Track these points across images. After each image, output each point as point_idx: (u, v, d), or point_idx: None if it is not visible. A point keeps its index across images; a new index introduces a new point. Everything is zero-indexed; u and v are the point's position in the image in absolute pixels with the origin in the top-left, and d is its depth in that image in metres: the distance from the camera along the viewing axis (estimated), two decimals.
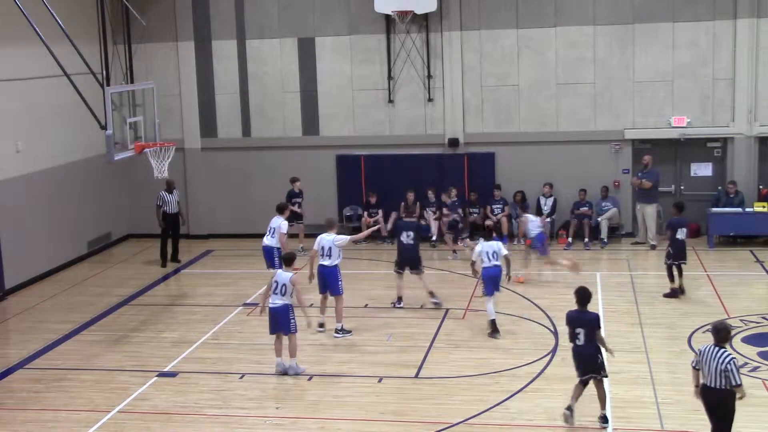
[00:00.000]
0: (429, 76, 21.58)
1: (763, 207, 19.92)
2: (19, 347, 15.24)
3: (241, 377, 13.40)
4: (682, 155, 21.23)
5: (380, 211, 21.63)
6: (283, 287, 13.20)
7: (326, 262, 15.07)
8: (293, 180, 20.91)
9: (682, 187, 21.33)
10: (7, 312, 17.39)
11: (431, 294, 16.27)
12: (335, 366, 13.72)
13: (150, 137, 16.62)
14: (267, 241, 16.96)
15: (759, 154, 20.67)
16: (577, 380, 11.33)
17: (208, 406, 12.42)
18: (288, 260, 13.51)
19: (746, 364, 13.09)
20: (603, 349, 11.27)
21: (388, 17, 21.33)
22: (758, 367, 13.00)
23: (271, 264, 16.78)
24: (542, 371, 13.12)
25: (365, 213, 21.80)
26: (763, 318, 15.14)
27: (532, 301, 15.81)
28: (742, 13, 20.13)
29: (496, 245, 14.91)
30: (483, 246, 14.84)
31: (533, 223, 17.93)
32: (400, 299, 16.45)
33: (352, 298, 17.25)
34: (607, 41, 20.89)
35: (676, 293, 16.27)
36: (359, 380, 13.13)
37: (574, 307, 11.48)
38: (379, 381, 13.03)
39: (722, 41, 20.39)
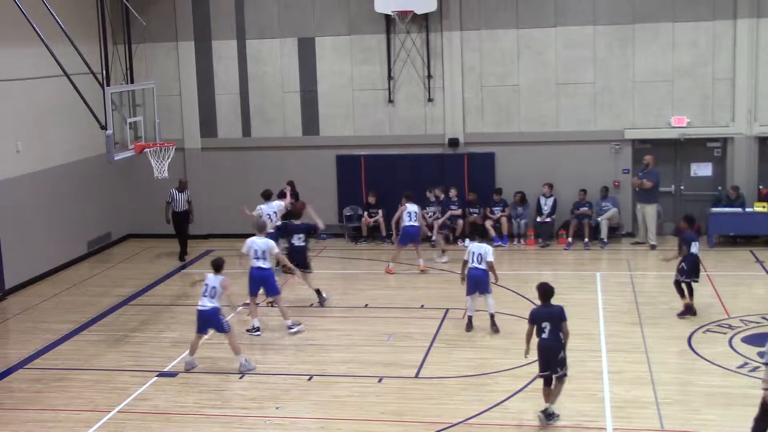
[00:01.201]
0: (429, 76, 21.59)
1: (763, 207, 19.92)
2: (19, 347, 15.24)
3: (241, 377, 13.40)
4: (682, 155, 21.23)
5: (380, 211, 21.63)
6: (213, 290, 13.46)
7: (262, 265, 15.23)
8: (288, 183, 20.47)
9: (682, 187, 21.33)
10: (7, 312, 17.39)
11: (318, 292, 16.66)
12: (335, 366, 13.72)
13: (150, 137, 16.63)
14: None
15: (759, 154, 20.67)
16: (542, 383, 11.40)
17: (208, 406, 12.43)
18: (217, 266, 13.71)
19: (746, 364, 13.09)
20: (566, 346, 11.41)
21: (388, 17, 21.33)
22: (758, 367, 12.96)
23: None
24: None
25: (365, 213, 21.80)
26: (763, 318, 15.14)
27: (532, 302, 15.77)
28: (742, 13, 20.13)
29: (483, 248, 14.84)
30: (471, 246, 15.07)
31: None
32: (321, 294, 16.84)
33: (352, 298, 17.29)
34: (607, 41, 20.89)
35: (691, 309, 15.25)
36: (359, 380, 13.13)
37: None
38: (379, 381, 13.03)
39: (722, 41, 20.39)
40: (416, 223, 18.79)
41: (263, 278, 15.22)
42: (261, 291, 15.48)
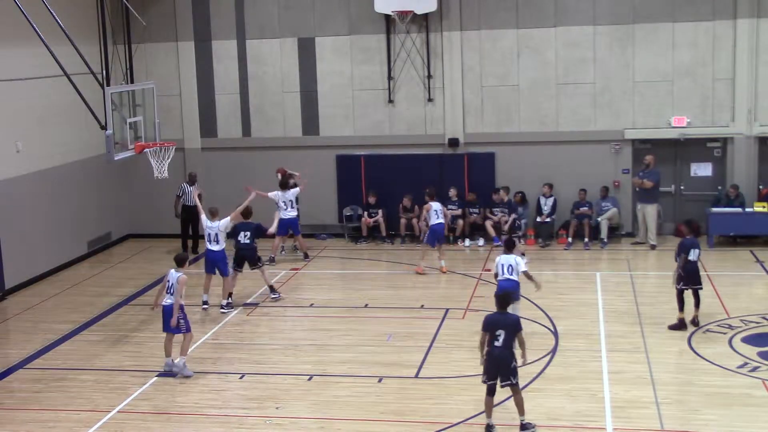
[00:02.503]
0: (429, 76, 21.59)
1: (763, 207, 19.92)
2: (19, 347, 15.24)
3: (241, 377, 13.40)
4: (682, 155, 21.23)
5: (380, 211, 21.63)
6: (172, 286, 13.53)
7: (214, 247, 16.60)
8: (287, 174, 20.70)
9: (682, 187, 21.33)
10: (7, 312, 17.39)
11: (272, 289, 17.07)
12: (335, 366, 13.72)
13: (150, 137, 16.64)
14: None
15: (759, 154, 20.66)
16: (485, 395, 11.18)
17: (208, 406, 12.42)
18: (179, 261, 13.80)
19: (746, 364, 13.10)
20: (518, 355, 11.20)
21: (388, 17, 21.33)
22: (758, 367, 13.00)
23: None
24: (542, 371, 13.12)
25: (365, 213, 21.80)
26: (763, 318, 15.14)
27: (532, 301, 15.80)
28: (742, 13, 20.13)
29: (513, 260, 14.24)
30: (500, 259, 14.28)
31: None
32: (230, 295, 16.93)
33: (352, 298, 17.29)
34: (607, 41, 20.89)
35: (683, 325, 14.59)
36: (359, 380, 13.13)
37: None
38: (379, 381, 13.03)
39: (722, 41, 20.39)
40: (442, 221, 18.74)
41: (216, 260, 16.75)
42: None
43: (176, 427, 11.80)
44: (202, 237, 22.08)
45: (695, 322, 14.68)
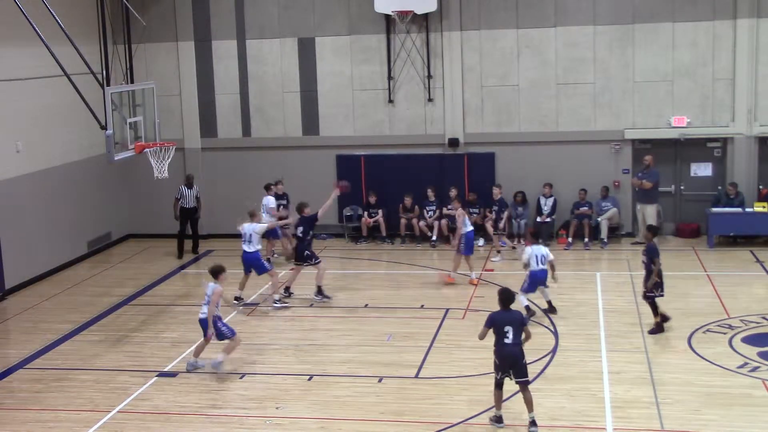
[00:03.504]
0: (429, 76, 21.59)
1: (763, 207, 19.92)
2: (19, 347, 15.24)
3: (241, 377, 13.40)
4: (682, 155, 21.23)
5: (380, 211, 21.64)
6: (207, 297, 13.46)
7: (248, 248, 16.70)
8: (276, 182, 20.58)
9: (682, 187, 21.33)
10: (7, 312, 17.39)
11: (286, 289, 17.26)
12: (335, 366, 13.72)
13: (150, 137, 16.62)
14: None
15: (759, 154, 20.67)
16: (493, 388, 11.39)
17: (208, 406, 12.42)
18: (214, 273, 13.61)
19: (746, 364, 13.10)
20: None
21: (388, 17, 21.34)
22: (758, 367, 13.00)
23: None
24: (542, 371, 13.12)
25: (365, 213, 21.80)
26: (763, 318, 15.14)
27: (532, 301, 15.79)
28: (742, 13, 20.13)
29: (543, 250, 15.37)
30: (533, 249, 15.28)
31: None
32: (287, 289, 17.28)
33: (353, 298, 17.28)
34: (607, 41, 20.89)
35: (662, 326, 14.55)
36: (359, 380, 13.13)
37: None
38: (379, 381, 13.03)
39: (722, 41, 20.40)
40: (472, 227, 18.09)
41: (249, 261, 16.87)
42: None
43: (176, 427, 11.80)
44: (203, 237, 22.31)
45: (666, 316, 14.66)
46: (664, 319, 14.65)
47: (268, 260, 19.68)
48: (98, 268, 20.46)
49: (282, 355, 14.35)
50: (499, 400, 11.37)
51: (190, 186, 20.94)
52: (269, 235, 18.92)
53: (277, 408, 12.22)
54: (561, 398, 12.07)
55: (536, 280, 15.31)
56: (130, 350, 14.86)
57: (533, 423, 11.20)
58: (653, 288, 14.44)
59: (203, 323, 13.45)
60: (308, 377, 13.28)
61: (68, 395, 12.97)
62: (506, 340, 11.16)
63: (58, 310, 17.36)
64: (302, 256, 17.05)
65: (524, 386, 11.25)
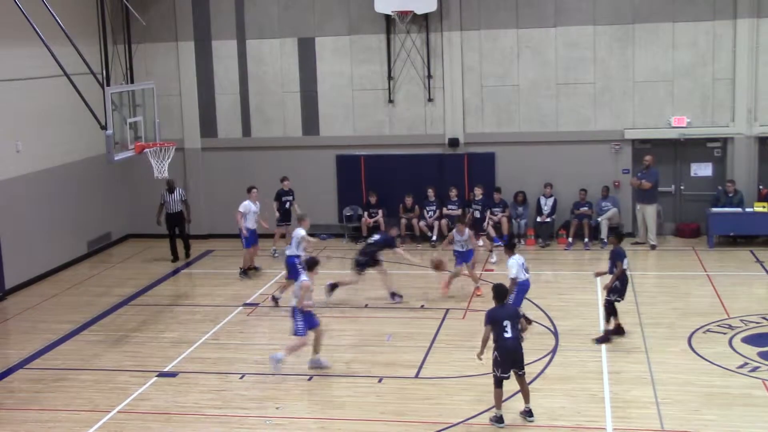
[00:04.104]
0: (429, 76, 21.59)
1: (763, 207, 19.92)
2: (19, 347, 15.24)
3: (241, 377, 13.40)
4: (682, 155, 21.23)
5: (380, 211, 21.63)
6: (295, 288, 13.54)
7: (288, 251, 16.63)
8: (282, 179, 20.79)
9: (682, 187, 21.33)
10: (7, 312, 17.39)
11: (393, 295, 16.81)
12: (335, 366, 13.71)
13: (150, 137, 16.62)
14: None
15: (759, 154, 20.67)
16: (493, 387, 11.42)
17: (208, 406, 12.42)
18: (310, 265, 13.67)
19: (746, 364, 13.09)
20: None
21: (388, 17, 21.34)
22: (758, 367, 13.00)
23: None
24: (542, 371, 13.12)
25: (365, 213, 21.80)
26: (763, 318, 15.14)
27: (531, 301, 15.80)
28: (742, 13, 20.13)
29: (522, 259, 14.71)
30: (516, 259, 14.50)
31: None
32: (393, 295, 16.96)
33: (353, 298, 17.27)
34: (607, 41, 20.89)
35: (609, 337, 14.20)
36: (359, 380, 13.13)
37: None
38: (379, 381, 13.03)
39: (722, 41, 20.39)
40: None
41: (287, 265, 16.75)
42: None
43: (176, 427, 11.80)
44: (203, 237, 22.30)
45: (621, 330, 14.36)
46: (618, 331, 14.33)
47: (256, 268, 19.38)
48: (98, 268, 20.46)
49: None
50: (499, 399, 11.40)
51: (171, 191, 20.33)
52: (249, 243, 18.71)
53: (277, 408, 12.22)
54: (561, 398, 12.07)
55: (524, 290, 14.67)
56: (130, 350, 14.86)
57: (529, 413, 11.38)
58: (611, 292, 14.21)
59: (293, 313, 13.46)
60: (308, 377, 13.28)
61: (68, 395, 12.97)
62: (506, 334, 11.26)
63: (58, 310, 17.36)
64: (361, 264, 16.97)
65: (521, 378, 11.40)
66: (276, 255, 20.34)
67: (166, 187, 20.27)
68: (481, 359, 11.61)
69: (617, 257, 14.31)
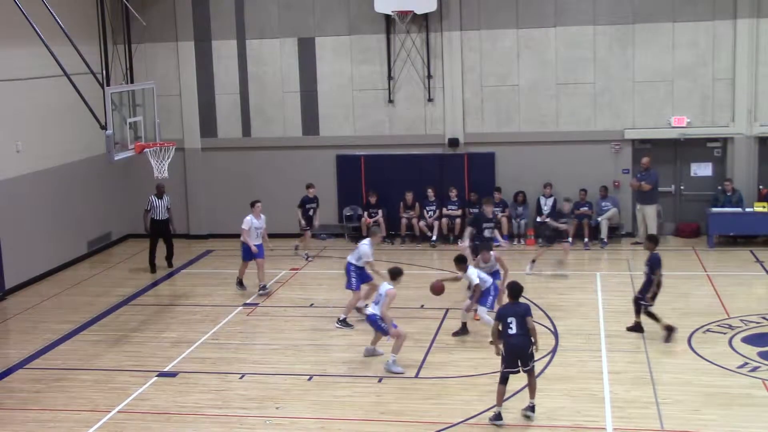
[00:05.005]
0: (429, 76, 21.59)
1: (763, 207, 19.92)
2: (19, 347, 15.24)
3: (241, 377, 13.40)
4: (682, 155, 21.24)
5: (380, 211, 21.63)
6: (379, 296, 13.46)
7: (349, 258, 15.91)
8: (308, 186, 20.51)
9: (682, 187, 21.34)
10: (7, 312, 17.39)
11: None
12: (335, 366, 13.72)
13: (150, 137, 16.61)
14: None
15: (759, 154, 20.67)
16: (498, 382, 11.50)
17: (208, 406, 12.42)
18: (393, 274, 13.61)
19: (746, 364, 13.10)
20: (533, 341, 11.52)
21: (388, 17, 21.34)
22: (758, 367, 13.00)
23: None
24: (542, 371, 13.10)
25: (365, 213, 21.79)
26: (763, 318, 15.14)
27: (532, 301, 15.79)
28: (742, 13, 20.14)
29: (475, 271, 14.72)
30: (472, 270, 14.53)
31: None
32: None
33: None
34: (607, 41, 20.89)
35: (672, 331, 14.25)
36: (359, 380, 13.13)
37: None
38: (379, 381, 13.03)
39: (722, 41, 20.40)
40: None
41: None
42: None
43: (176, 427, 11.80)
44: (199, 237, 22.29)
45: (640, 329, 14.47)
46: (637, 328, 14.48)
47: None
48: (98, 268, 20.46)
49: (282, 355, 14.35)
50: (500, 396, 11.43)
51: (160, 196, 19.63)
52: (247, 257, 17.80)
53: (277, 408, 12.22)
54: (561, 398, 12.07)
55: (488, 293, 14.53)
56: (130, 350, 14.86)
57: (531, 408, 11.44)
58: (650, 298, 14.27)
59: (371, 319, 13.45)
60: (308, 377, 13.28)
61: (68, 395, 12.97)
62: (510, 331, 11.34)
63: (58, 310, 17.36)
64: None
65: (530, 373, 11.47)
66: (309, 259, 20.13)
67: (155, 192, 19.68)
68: (498, 354, 11.61)
69: (656, 264, 14.26)
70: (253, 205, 17.99)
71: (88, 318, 16.65)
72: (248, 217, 17.71)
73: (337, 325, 15.45)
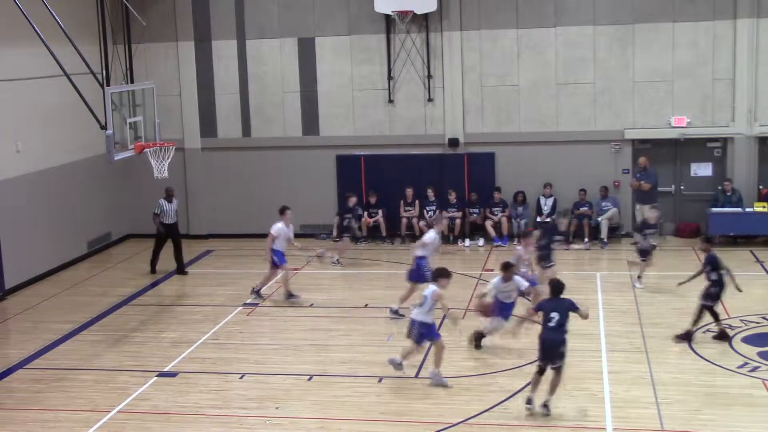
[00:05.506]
0: (429, 76, 21.59)
1: (763, 207, 19.93)
2: (19, 347, 15.24)
3: (241, 377, 13.40)
4: (682, 155, 21.24)
5: (380, 211, 21.63)
6: (424, 299, 12.86)
7: (417, 252, 15.99)
8: (349, 195, 20.50)
9: (682, 187, 21.34)
10: (7, 312, 17.39)
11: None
12: (335, 366, 13.71)
13: (150, 137, 16.60)
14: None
15: (759, 154, 20.67)
16: (535, 373, 11.74)
17: (208, 406, 12.42)
18: (437, 275, 12.99)
19: (746, 364, 13.10)
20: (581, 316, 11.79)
21: (388, 17, 21.34)
22: (758, 367, 13.00)
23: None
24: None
25: (365, 213, 21.79)
26: (763, 318, 15.14)
27: (531, 302, 15.77)
28: (742, 13, 20.14)
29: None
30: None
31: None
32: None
33: (353, 298, 17.29)
34: (607, 41, 20.89)
35: (692, 336, 14.10)
36: (359, 380, 13.13)
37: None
38: (379, 381, 13.03)
39: (722, 41, 20.40)
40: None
41: None
42: None
43: (176, 427, 11.80)
44: (199, 237, 22.29)
45: (726, 336, 14.15)
46: (723, 336, 14.09)
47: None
48: (98, 268, 20.45)
49: (282, 355, 14.35)
50: (536, 384, 11.67)
51: (170, 200, 19.30)
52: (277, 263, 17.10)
53: (277, 408, 12.22)
54: (561, 398, 12.06)
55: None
56: (130, 350, 14.86)
57: (546, 405, 11.55)
58: (707, 297, 13.87)
59: (413, 324, 12.81)
60: (308, 377, 13.28)
61: (68, 395, 12.97)
62: (550, 324, 11.52)
63: (58, 310, 17.36)
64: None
65: (556, 371, 11.59)
66: (339, 263, 19.87)
67: (164, 196, 19.36)
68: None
69: (715, 263, 13.96)
70: (282, 211, 17.21)
71: (88, 318, 16.64)
72: (279, 224, 16.97)
73: (392, 316, 15.55)
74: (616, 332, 14.69)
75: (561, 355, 11.55)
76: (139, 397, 12.75)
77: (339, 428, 11.61)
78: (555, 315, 11.52)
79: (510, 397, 12.07)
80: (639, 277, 17.24)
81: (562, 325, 11.54)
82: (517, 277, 13.97)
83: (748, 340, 14.09)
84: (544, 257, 16.29)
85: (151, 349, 14.84)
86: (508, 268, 13.84)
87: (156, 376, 13.52)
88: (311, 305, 16.89)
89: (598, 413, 11.69)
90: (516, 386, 12.54)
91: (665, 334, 14.53)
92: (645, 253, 17.30)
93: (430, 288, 12.92)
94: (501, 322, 13.95)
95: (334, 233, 20.63)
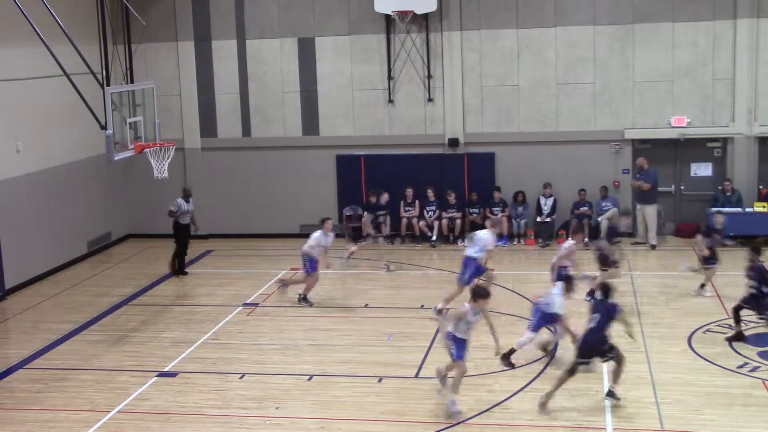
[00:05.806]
0: (429, 76, 21.59)
1: (763, 207, 19.93)
2: (19, 347, 15.24)
3: (241, 377, 13.40)
4: (682, 155, 21.24)
5: (385, 212, 21.52)
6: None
7: (468, 252, 15.89)
8: (378, 192, 20.46)
9: (682, 187, 21.34)
10: (7, 312, 17.39)
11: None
12: (335, 366, 13.72)
13: (150, 137, 16.60)
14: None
15: (759, 154, 20.67)
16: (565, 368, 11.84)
17: (208, 406, 12.42)
18: (475, 294, 11.92)
19: (746, 364, 13.10)
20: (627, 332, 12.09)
21: (388, 17, 21.34)
22: (758, 367, 13.00)
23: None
24: (542, 371, 13.12)
25: (365, 213, 21.76)
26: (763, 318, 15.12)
27: (532, 301, 15.76)
28: (742, 13, 20.14)
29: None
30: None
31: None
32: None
33: (352, 298, 17.29)
34: (607, 41, 20.89)
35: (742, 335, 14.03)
36: (359, 380, 13.13)
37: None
38: (379, 381, 13.03)
39: (722, 41, 20.40)
40: None
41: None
42: None
43: (176, 427, 11.80)
44: (199, 237, 22.24)
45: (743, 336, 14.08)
46: (740, 337, 14.07)
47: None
48: (98, 268, 20.45)
49: (282, 355, 14.35)
50: (558, 383, 11.70)
51: (187, 200, 19.08)
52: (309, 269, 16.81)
53: (277, 408, 12.22)
54: (561, 398, 12.05)
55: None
56: (130, 350, 14.85)
57: (610, 393, 11.79)
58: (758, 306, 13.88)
59: (447, 336, 12.07)
60: (308, 377, 13.28)
61: (68, 395, 12.97)
62: (591, 325, 11.70)
63: (58, 310, 17.36)
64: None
65: (616, 360, 11.76)
66: (392, 269, 19.50)
67: (182, 195, 19.16)
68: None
69: (763, 275, 13.81)
70: (323, 222, 16.92)
71: (88, 318, 16.64)
72: (318, 234, 16.70)
73: (435, 316, 15.43)
74: (617, 332, 14.62)
75: (603, 352, 11.73)
76: (139, 397, 12.75)
77: (339, 428, 11.61)
78: (596, 315, 11.70)
79: (510, 397, 12.07)
80: (702, 285, 16.46)
81: (602, 328, 11.65)
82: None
83: (748, 340, 14.07)
84: (604, 258, 16.40)
85: (151, 349, 14.84)
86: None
87: (156, 376, 13.52)
88: (311, 305, 16.88)
89: (598, 413, 11.69)
90: (516, 386, 12.54)
91: (665, 334, 14.55)
92: (708, 260, 16.37)
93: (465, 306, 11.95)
94: (530, 336, 13.49)
95: (363, 232, 20.48)
